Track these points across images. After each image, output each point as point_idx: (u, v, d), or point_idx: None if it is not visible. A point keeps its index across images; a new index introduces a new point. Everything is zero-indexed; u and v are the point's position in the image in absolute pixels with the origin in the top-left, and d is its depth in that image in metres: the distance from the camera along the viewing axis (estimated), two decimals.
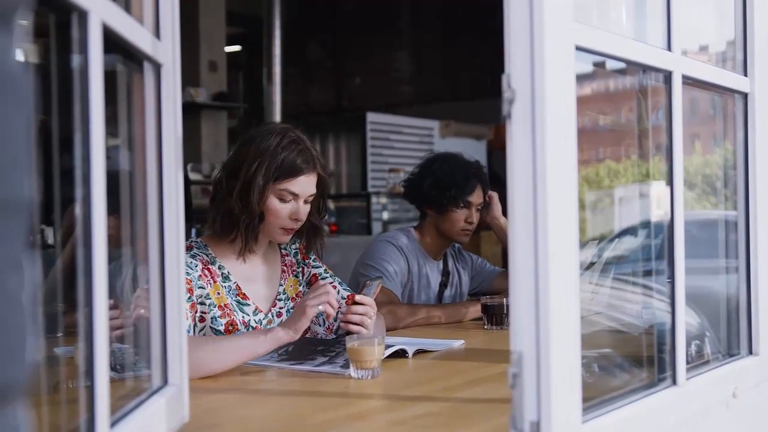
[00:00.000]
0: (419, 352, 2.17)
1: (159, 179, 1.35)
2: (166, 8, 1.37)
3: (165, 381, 1.36)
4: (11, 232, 0.56)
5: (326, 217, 2.40)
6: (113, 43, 1.11)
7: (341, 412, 1.61)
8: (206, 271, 2.17)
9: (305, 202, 2.22)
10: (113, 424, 1.09)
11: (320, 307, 1.98)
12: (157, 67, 1.34)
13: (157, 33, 1.34)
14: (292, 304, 2.33)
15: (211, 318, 2.14)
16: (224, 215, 2.20)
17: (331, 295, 2.00)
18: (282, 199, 2.19)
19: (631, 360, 1.70)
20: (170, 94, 1.37)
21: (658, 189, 1.84)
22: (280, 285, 2.34)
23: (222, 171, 2.24)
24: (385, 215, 7.44)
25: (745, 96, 1.79)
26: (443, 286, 3.11)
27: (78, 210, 1.01)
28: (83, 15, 0.99)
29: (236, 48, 10.28)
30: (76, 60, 1.01)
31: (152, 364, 1.35)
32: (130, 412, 1.19)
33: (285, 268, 2.37)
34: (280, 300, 2.33)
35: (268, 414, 1.64)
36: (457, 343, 2.33)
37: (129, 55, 1.27)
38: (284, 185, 2.18)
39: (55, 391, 1.27)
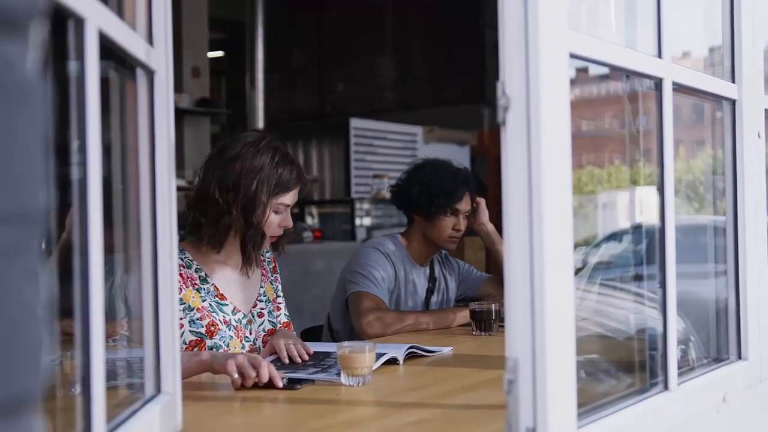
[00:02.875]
0: (411, 357, 2.17)
1: (152, 186, 1.35)
2: (158, 15, 1.36)
3: (158, 389, 1.35)
4: (26, 241, 0.56)
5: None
6: (107, 49, 1.11)
7: (334, 420, 1.61)
8: (178, 276, 2.18)
9: (291, 209, 2.33)
10: None
11: (236, 375, 1.81)
12: (150, 74, 1.34)
13: (150, 40, 1.34)
14: (272, 306, 2.41)
15: (190, 321, 2.17)
16: (223, 230, 2.23)
17: (257, 373, 1.82)
18: (277, 212, 2.27)
19: (622, 365, 1.71)
20: (163, 100, 1.36)
21: (642, 194, 1.85)
22: (261, 287, 2.40)
23: (212, 184, 2.23)
24: (369, 221, 7.43)
25: (732, 102, 1.81)
26: (430, 292, 3.11)
27: (74, 217, 1.01)
28: (80, 22, 0.99)
29: (219, 53, 10.26)
30: (72, 66, 1.01)
31: (146, 372, 1.34)
32: (124, 420, 1.18)
33: (264, 271, 2.44)
34: (261, 301, 2.39)
35: (260, 422, 1.63)
36: (447, 350, 2.33)
37: (121, 61, 1.26)
38: (281, 199, 2.26)
39: (45, 399, 1.26)
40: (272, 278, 2.47)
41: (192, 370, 1.92)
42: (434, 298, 3.11)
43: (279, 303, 2.48)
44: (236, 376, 1.80)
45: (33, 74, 0.58)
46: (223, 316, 2.24)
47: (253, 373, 1.80)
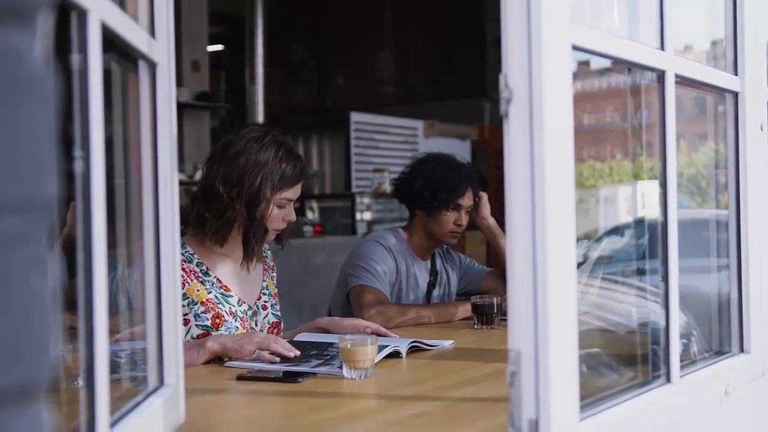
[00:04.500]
0: (413, 351, 2.17)
1: (154, 179, 1.35)
2: (160, 7, 1.36)
3: (161, 382, 1.35)
4: (35, 230, 0.56)
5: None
6: (109, 41, 1.10)
7: (336, 413, 1.61)
8: (181, 271, 2.19)
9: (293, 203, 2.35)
10: (112, 424, 1.08)
11: (256, 353, 2.02)
12: (152, 67, 1.33)
13: (152, 32, 1.33)
14: (274, 300, 2.44)
15: (195, 315, 2.18)
16: (227, 224, 2.25)
17: (275, 346, 2.04)
18: (280, 206, 2.29)
19: (624, 359, 1.71)
20: (165, 93, 1.36)
21: (644, 188, 1.85)
22: (263, 281, 2.43)
23: (217, 179, 2.24)
24: (370, 215, 7.44)
25: (735, 95, 1.80)
26: (431, 285, 3.11)
27: (77, 211, 1.01)
28: (83, 14, 0.98)
29: (218, 47, 10.24)
30: (75, 59, 1.00)
31: (149, 365, 1.34)
32: (127, 413, 1.18)
33: (265, 266, 2.47)
34: (264, 294, 2.41)
35: (263, 415, 1.63)
36: (448, 343, 2.33)
37: (124, 53, 1.26)
38: (285, 194, 2.28)
39: (51, 392, 1.26)
40: (272, 275, 2.50)
41: (200, 360, 2.02)
42: (436, 292, 3.12)
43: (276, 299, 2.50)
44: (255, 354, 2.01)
45: (41, 64, 0.59)
46: (229, 308, 2.26)
47: (279, 348, 2.01)
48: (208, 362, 2.07)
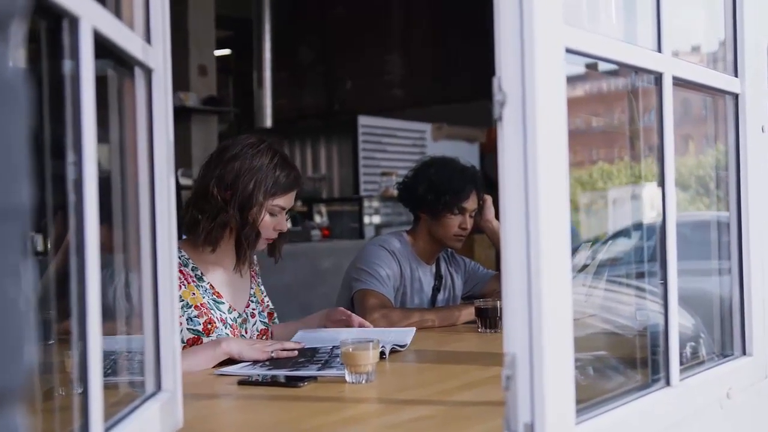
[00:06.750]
0: (393, 352, 2.21)
1: (151, 185, 1.35)
2: (156, 13, 1.36)
3: (158, 387, 1.36)
4: (9, 237, 0.56)
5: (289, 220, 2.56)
6: (104, 48, 1.11)
7: (336, 417, 1.61)
8: (178, 274, 2.20)
9: (286, 213, 2.37)
10: (107, 429, 1.09)
11: (275, 353, 2.13)
12: (148, 73, 1.34)
13: (147, 38, 1.34)
14: (261, 308, 2.46)
15: (188, 319, 2.19)
16: (219, 227, 2.26)
17: (287, 345, 2.19)
18: (272, 213, 2.30)
19: (625, 361, 1.70)
20: (161, 99, 1.37)
21: (651, 190, 1.84)
22: (251, 288, 2.45)
23: (211, 181, 2.26)
24: (378, 219, 7.43)
25: (735, 97, 1.80)
26: (436, 290, 3.10)
27: (70, 217, 1.01)
28: (74, 21, 0.99)
29: (226, 51, 10.26)
30: (67, 66, 1.01)
31: (146, 369, 1.35)
32: (123, 418, 1.19)
33: (253, 274, 2.49)
34: (252, 302, 2.43)
35: (262, 420, 1.63)
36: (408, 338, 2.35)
37: (119, 60, 1.27)
38: (277, 201, 2.30)
39: (47, 398, 1.27)
40: (258, 281, 2.52)
41: (213, 363, 2.07)
42: (441, 296, 3.11)
43: (268, 303, 2.52)
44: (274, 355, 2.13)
45: (14, 73, 0.59)
46: (220, 314, 2.28)
47: (289, 346, 2.17)
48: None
